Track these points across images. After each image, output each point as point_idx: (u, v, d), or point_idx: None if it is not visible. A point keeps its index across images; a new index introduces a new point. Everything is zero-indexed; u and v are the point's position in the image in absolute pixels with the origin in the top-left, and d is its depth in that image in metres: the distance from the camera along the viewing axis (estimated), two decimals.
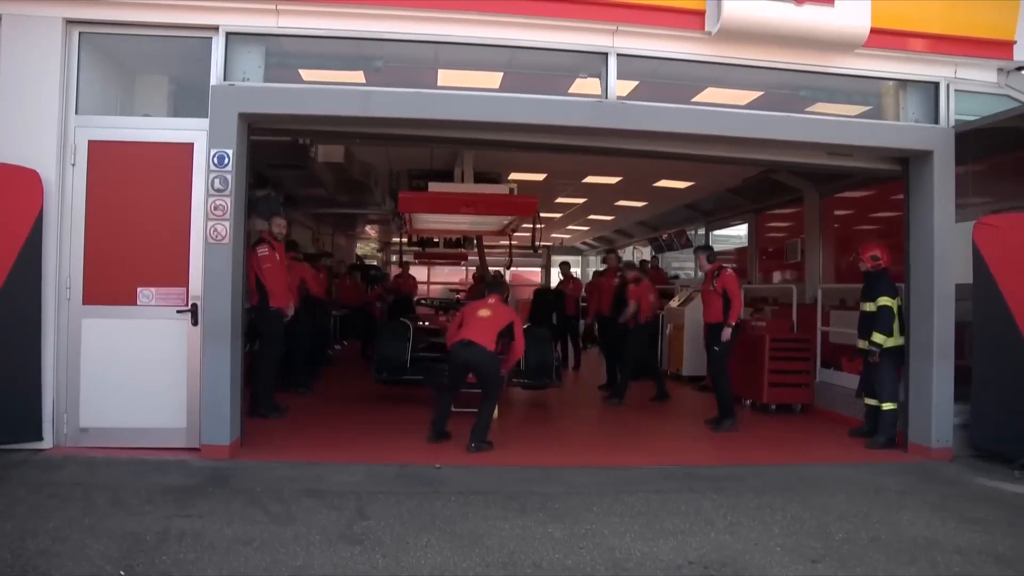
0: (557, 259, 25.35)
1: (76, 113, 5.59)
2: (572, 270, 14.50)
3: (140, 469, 5.15)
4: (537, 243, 9.92)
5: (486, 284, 7.37)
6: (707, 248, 8.21)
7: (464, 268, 22.16)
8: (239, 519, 4.26)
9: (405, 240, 15.13)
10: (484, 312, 6.45)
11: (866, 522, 4.57)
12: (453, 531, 4.20)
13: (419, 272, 19.16)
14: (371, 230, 19.72)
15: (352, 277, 15.62)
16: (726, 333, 7.20)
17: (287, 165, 9.16)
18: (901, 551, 4.09)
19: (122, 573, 3.49)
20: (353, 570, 3.64)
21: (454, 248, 16.32)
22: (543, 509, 4.62)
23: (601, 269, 10.42)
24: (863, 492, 5.24)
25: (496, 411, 6.53)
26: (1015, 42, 6.35)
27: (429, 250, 16.73)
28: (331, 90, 5.84)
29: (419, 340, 8.16)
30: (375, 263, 22.22)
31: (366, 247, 23.77)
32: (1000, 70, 6.47)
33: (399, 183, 11.10)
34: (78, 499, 4.47)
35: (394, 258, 23.68)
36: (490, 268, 14.89)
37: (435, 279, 22.67)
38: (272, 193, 9.80)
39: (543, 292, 13.00)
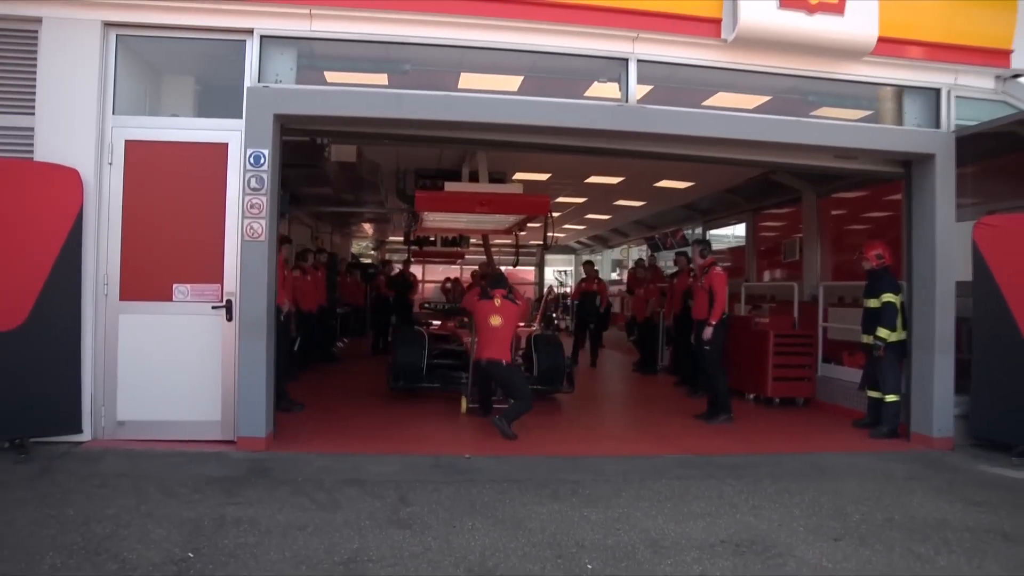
0: (553, 258, 25.71)
1: (113, 113, 5.75)
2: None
3: (180, 461, 5.32)
4: (549, 242, 10.14)
5: (489, 281, 7.46)
6: (702, 242, 8.39)
7: (459, 267, 22.33)
8: (288, 506, 4.44)
9: (402, 238, 15.25)
10: (495, 320, 6.82)
11: (879, 505, 4.84)
12: (495, 516, 4.41)
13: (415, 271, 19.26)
14: (368, 228, 19.84)
15: (352, 275, 15.80)
16: (707, 332, 7.36)
17: (300, 164, 9.28)
18: (915, 530, 4.37)
19: (191, 555, 3.67)
20: (408, 551, 3.84)
21: (451, 247, 16.48)
22: (575, 495, 4.85)
23: (674, 271, 10.57)
24: (873, 478, 5.52)
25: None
26: (1012, 51, 6.66)
27: (427, 248, 16.87)
28: (365, 92, 6.02)
29: (432, 347, 8.33)
30: (371, 261, 22.36)
31: (359, 245, 23.90)
32: (998, 77, 6.80)
33: (405, 182, 11.26)
34: (128, 489, 4.64)
35: (387, 256, 23.86)
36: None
37: (431, 278, 22.75)
38: (280, 192, 9.92)
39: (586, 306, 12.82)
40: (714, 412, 7.53)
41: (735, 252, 14.23)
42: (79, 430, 5.56)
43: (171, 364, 5.75)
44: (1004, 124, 6.47)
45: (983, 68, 6.73)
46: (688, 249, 9.29)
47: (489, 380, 7.21)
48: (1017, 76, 6.77)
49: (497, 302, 6.91)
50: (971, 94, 6.80)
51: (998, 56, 6.68)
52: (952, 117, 6.73)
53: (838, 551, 4.02)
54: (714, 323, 7.34)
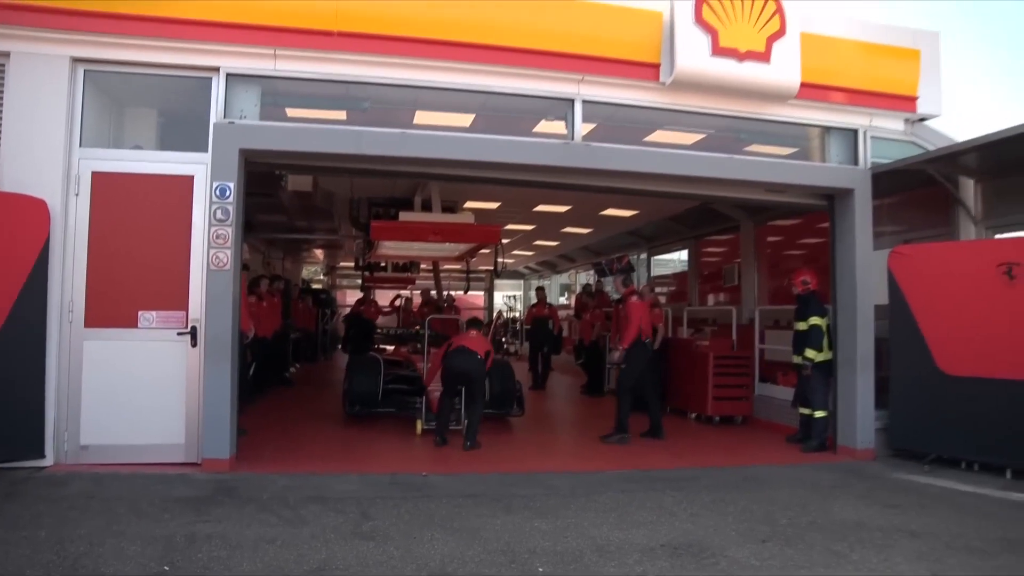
0: (502, 283, 26.11)
1: (80, 146, 5.91)
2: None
3: (146, 482, 5.45)
4: (499, 269, 10.52)
5: (468, 322, 8.19)
6: (623, 272, 8.91)
7: (409, 292, 22.51)
8: (256, 523, 4.65)
9: (353, 264, 15.40)
10: (474, 333, 7.55)
11: (805, 510, 5.30)
12: (452, 527, 4.70)
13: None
14: (320, 254, 19.95)
15: (304, 301, 15.91)
16: (614, 355, 7.77)
17: (256, 193, 9.47)
18: (834, 531, 4.83)
19: (167, 568, 3.87)
20: (373, 560, 4.10)
21: (401, 272, 16.72)
22: (527, 508, 5.18)
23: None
24: (801, 487, 6.02)
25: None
26: (918, 97, 7.38)
27: (378, 274, 17.04)
28: (327, 130, 6.32)
29: (387, 373, 8.56)
30: (321, 287, 22.42)
31: (310, 270, 23.92)
32: (907, 120, 7.54)
33: (358, 210, 11.52)
34: (97, 510, 4.77)
35: (339, 281, 23.90)
36: (445, 293, 15.47)
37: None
38: None
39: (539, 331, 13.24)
40: (612, 432, 7.84)
41: (679, 277, 14.84)
42: (42, 455, 5.65)
43: (136, 389, 5.89)
44: (913, 162, 7.16)
45: (894, 112, 7.45)
46: (634, 275, 9.82)
47: (456, 384, 7.45)
48: (923, 120, 7.51)
49: (472, 334, 7.62)
50: (885, 135, 7.50)
51: (906, 102, 7.39)
52: (868, 155, 7.40)
53: (765, 551, 4.43)
54: (624, 347, 7.75)
